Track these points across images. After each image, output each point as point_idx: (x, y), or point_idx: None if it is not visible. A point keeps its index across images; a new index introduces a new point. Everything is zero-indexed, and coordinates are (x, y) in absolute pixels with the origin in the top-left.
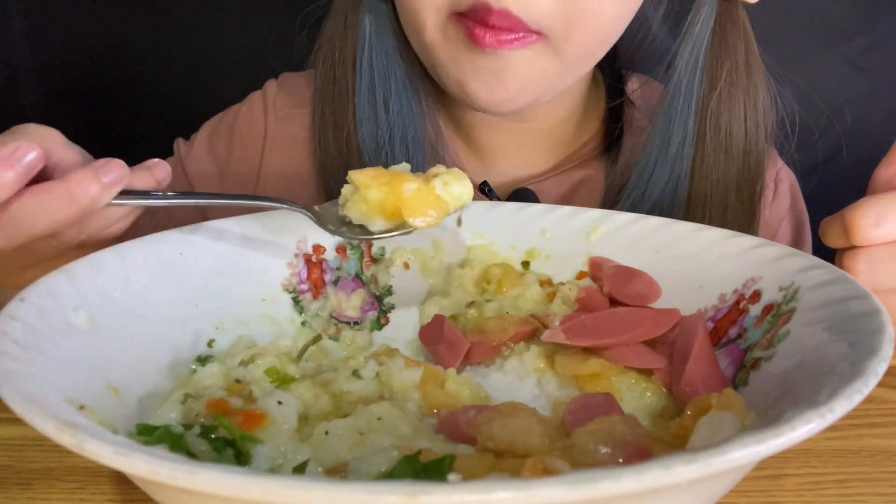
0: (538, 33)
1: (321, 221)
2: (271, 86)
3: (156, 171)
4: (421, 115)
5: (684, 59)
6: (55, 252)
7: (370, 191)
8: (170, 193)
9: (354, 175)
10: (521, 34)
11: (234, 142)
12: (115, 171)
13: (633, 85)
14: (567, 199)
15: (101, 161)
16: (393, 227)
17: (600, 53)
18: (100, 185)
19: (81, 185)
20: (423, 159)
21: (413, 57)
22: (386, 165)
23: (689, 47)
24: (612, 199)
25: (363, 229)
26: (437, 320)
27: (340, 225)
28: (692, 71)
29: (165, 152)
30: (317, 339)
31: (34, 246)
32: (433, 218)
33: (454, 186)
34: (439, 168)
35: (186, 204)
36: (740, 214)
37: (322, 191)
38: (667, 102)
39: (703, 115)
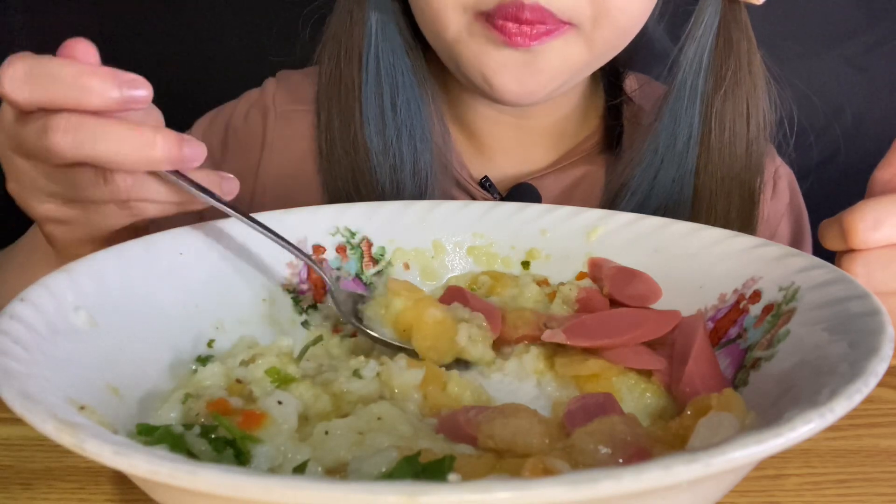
0: (568, 23)
1: (339, 304)
2: (270, 83)
3: (224, 184)
4: (428, 114)
5: (688, 59)
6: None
7: (397, 298)
8: (214, 195)
9: (392, 282)
10: (551, 26)
11: (228, 138)
12: (195, 148)
13: (631, 83)
14: (568, 194)
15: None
16: (397, 341)
17: (622, 46)
18: (179, 147)
19: (166, 140)
20: (431, 159)
21: (419, 54)
22: (394, 165)
23: (694, 48)
24: (614, 196)
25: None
26: (456, 291)
27: (352, 315)
28: (696, 71)
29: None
30: (318, 339)
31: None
32: (438, 354)
33: (478, 346)
34: (476, 316)
35: (222, 210)
36: (742, 210)
37: (327, 191)
38: (671, 102)
39: (708, 115)
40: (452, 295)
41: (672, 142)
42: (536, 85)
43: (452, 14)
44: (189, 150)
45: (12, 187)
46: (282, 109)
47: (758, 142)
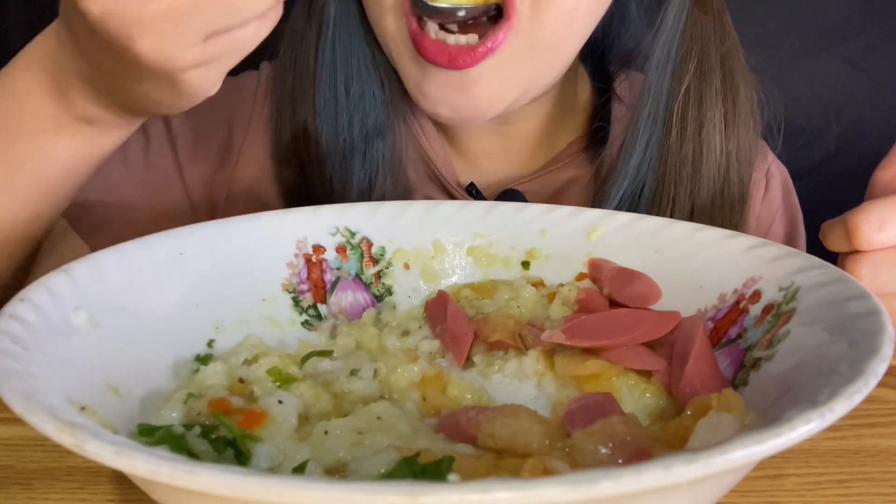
0: (503, 18)
1: None
2: (265, 66)
3: None
4: (383, 101)
5: (656, 55)
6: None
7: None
8: None
9: None
10: (488, 44)
11: (220, 110)
12: None
13: (619, 80)
14: (555, 198)
15: None
16: None
17: (574, 41)
18: None
19: None
20: (383, 147)
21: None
22: (344, 152)
23: (662, 42)
24: (598, 198)
25: None
26: (442, 297)
27: None
28: (663, 67)
29: None
30: (327, 353)
31: None
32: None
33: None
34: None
35: None
36: (718, 218)
37: (276, 177)
38: (640, 100)
39: (671, 111)
40: (438, 301)
41: (633, 143)
42: (473, 111)
43: (388, 26)
44: None
45: (148, 44)
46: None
47: (737, 143)
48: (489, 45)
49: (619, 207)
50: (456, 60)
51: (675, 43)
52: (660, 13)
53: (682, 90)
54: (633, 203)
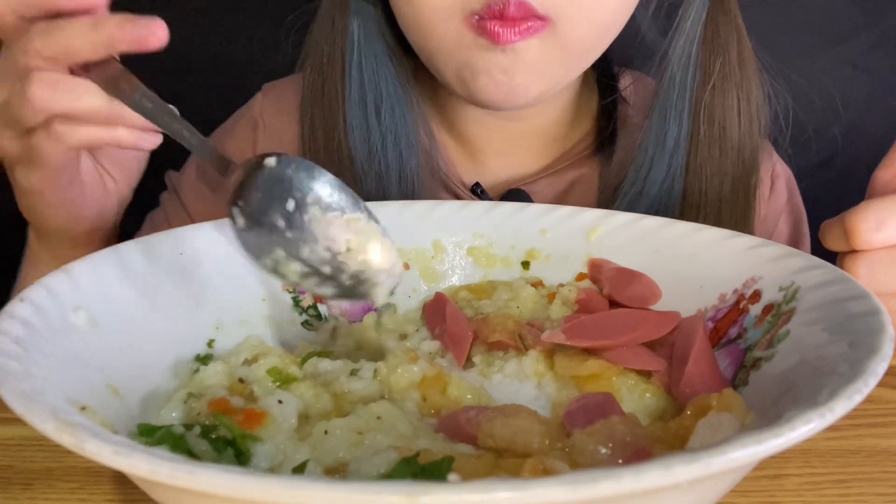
0: (544, 18)
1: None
2: (257, 99)
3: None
4: (414, 119)
5: (677, 53)
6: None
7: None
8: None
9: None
10: (530, 23)
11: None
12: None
13: (625, 82)
14: (561, 198)
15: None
16: None
17: (601, 47)
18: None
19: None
20: (417, 165)
21: (403, 59)
22: (379, 173)
23: (682, 41)
24: (608, 198)
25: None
26: (440, 299)
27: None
28: (685, 65)
29: (155, 156)
30: (326, 354)
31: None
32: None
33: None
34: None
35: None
36: (735, 209)
37: None
38: (661, 98)
39: (697, 110)
40: (436, 303)
41: (661, 140)
42: (514, 87)
43: (442, 23)
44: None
45: None
46: (270, 122)
47: (749, 137)
48: (531, 25)
49: (647, 212)
50: (516, 34)
51: (695, 45)
52: (676, 14)
53: (707, 91)
54: (663, 209)
